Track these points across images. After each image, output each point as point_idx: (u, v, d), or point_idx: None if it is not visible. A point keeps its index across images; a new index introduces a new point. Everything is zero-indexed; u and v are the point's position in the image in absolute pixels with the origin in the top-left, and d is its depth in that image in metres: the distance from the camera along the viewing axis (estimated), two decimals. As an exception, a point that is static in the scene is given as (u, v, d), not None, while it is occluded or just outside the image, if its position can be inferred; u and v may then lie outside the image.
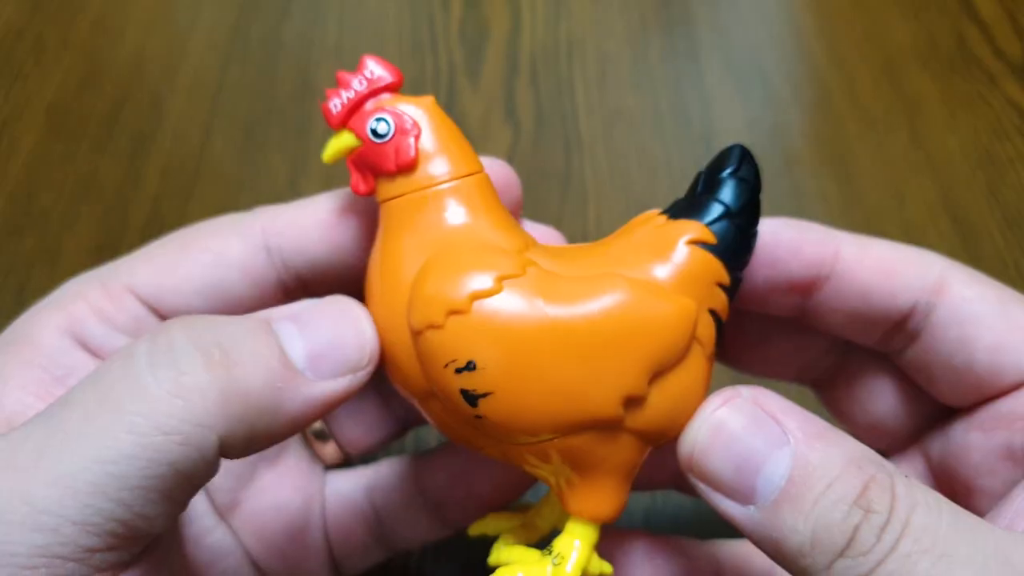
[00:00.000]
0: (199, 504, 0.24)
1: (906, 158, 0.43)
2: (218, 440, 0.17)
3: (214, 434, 0.17)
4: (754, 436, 0.18)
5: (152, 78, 0.47)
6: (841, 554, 0.17)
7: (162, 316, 0.22)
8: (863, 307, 0.22)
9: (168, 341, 0.17)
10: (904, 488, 0.17)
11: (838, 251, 0.22)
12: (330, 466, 0.28)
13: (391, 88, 0.21)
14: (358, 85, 0.21)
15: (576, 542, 0.20)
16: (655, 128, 0.45)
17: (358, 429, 0.27)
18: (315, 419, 0.19)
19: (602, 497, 0.20)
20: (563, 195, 0.42)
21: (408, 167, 0.20)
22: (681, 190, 0.23)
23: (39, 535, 0.15)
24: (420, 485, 0.26)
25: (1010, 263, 0.39)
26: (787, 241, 0.22)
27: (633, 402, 0.19)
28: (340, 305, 0.20)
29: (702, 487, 0.19)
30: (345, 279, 0.23)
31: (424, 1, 0.51)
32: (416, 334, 0.19)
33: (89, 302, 0.21)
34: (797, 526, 0.17)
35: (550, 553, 0.21)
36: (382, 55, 0.22)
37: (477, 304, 0.19)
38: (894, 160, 0.43)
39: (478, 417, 0.19)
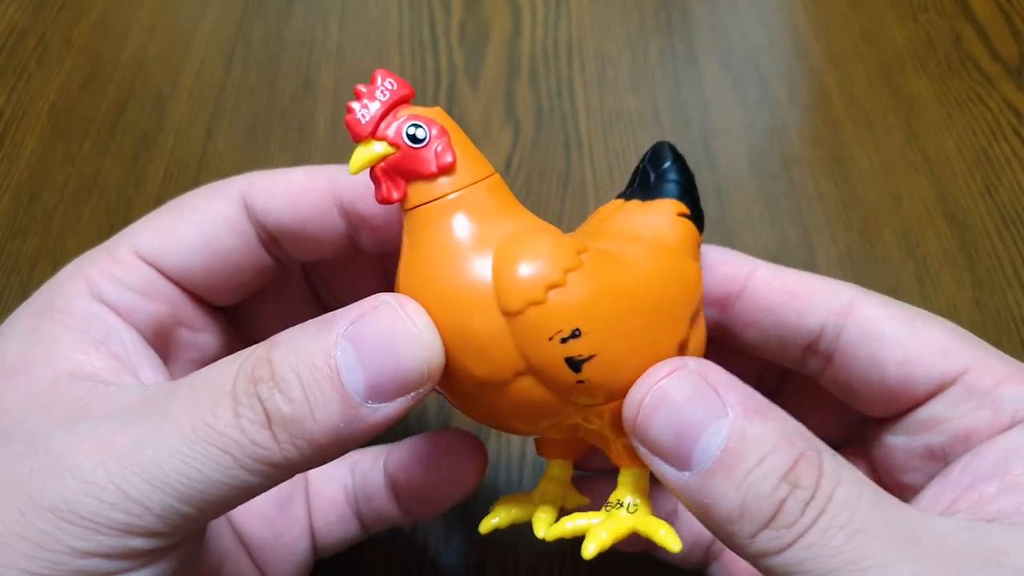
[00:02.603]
0: None
1: (903, 159, 0.43)
2: (289, 473, 0.19)
3: (287, 472, 0.19)
4: (695, 407, 0.19)
5: (154, 79, 0.47)
6: (766, 525, 0.18)
7: (165, 273, 0.24)
8: (772, 325, 0.25)
9: (251, 385, 0.19)
10: (831, 465, 0.18)
11: (752, 273, 0.25)
12: None
13: (407, 99, 0.22)
14: (382, 96, 0.21)
15: (645, 488, 0.22)
16: (654, 129, 0.45)
17: None
18: (377, 435, 0.20)
19: None
20: (563, 195, 0.42)
21: (449, 168, 0.21)
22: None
23: (123, 515, 0.18)
24: (387, 469, 0.28)
25: (1006, 262, 0.39)
26: (707, 259, 0.25)
27: (683, 346, 0.22)
28: (395, 317, 0.20)
29: (642, 451, 0.20)
30: (310, 242, 0.25)
31: (425, 2, 0.51)
32: (514, 315, 0.20)
33: (101, 269, 0.23)
34: (728, 494, 0.18)
35: (619, 506, 0.22)
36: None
37: (570, 276, 0.20)
38: (891, 161, 0.43)
39: (580, 382, 0.20)
